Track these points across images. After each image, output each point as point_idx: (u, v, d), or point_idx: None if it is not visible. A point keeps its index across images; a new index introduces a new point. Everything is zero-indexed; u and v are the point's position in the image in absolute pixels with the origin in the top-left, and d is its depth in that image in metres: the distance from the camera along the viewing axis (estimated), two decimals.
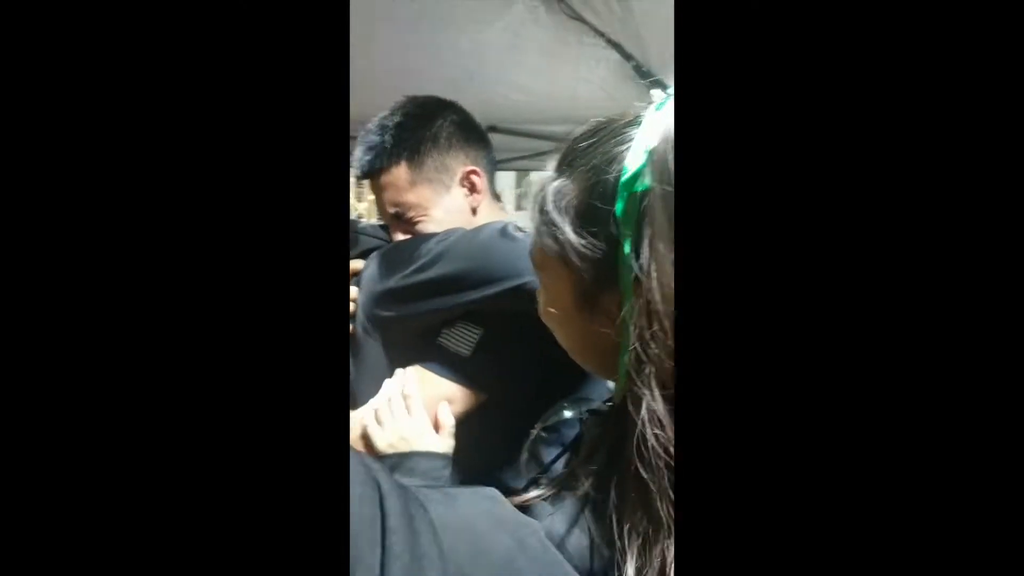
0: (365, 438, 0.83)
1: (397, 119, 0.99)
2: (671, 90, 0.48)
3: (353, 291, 0.98)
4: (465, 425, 0.84)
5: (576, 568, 0.47)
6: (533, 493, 0.54)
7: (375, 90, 1.21)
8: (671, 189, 0.46)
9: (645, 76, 1.86)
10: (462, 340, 0.86)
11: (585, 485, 0.51)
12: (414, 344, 0.89)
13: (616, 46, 1.82)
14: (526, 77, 2.12)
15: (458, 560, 0.39)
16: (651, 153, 0.48)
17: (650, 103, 0.52)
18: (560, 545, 0.48)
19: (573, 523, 0.50)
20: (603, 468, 0.51)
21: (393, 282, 0.90)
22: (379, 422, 0.83)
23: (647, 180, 0.48)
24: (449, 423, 0.83)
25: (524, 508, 0.53)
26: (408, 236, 0.99)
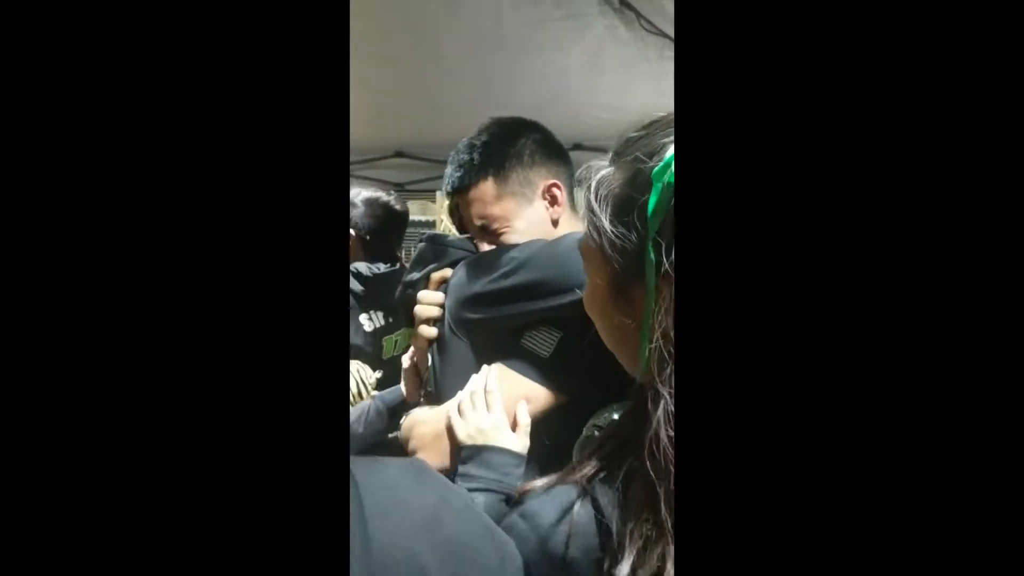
0: (449, 429, 0.88)
1: (484, 139, 1.07)
2: None
3: (440, 296, 1.05)
4: (542, 424, 0.87)
5: (551, 552, 0.47)
6: (539, 482, 0.54)
7: (462, 116, 1.28)
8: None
9: None
10: (542, 342, 0.90)
11: (582, 476, 0.51)
12: (498, 345, 0.94)
13: None
14: (608, 95, 2.16)
15: (381, 512, 0.41)
16: None
17: None
18: (542, 527, 0.49)
19: (564, 511, 0.49)
20: (607, 462, 0.51)
21: (479, 287, 0.96)
22: (461, 414, 0.88)
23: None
24: (525, 422, 0.86)
25: (524, 492, 0.53)
26: (493, 247, 1.05)
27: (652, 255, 0.48)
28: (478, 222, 1.06)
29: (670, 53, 1.84)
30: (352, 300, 1.83)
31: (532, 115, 1.14)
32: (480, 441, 0.84)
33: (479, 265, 1.01)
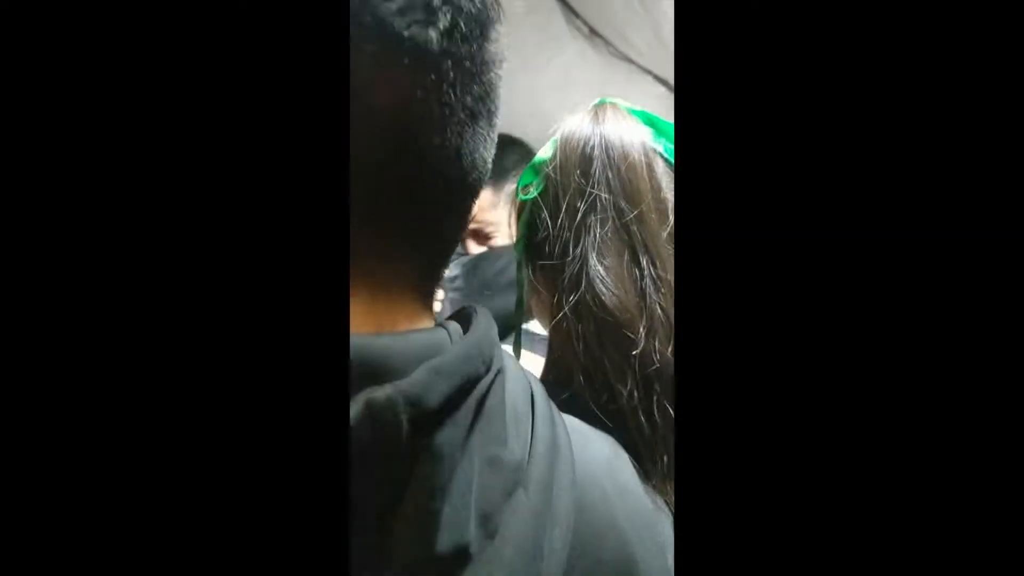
0: None
1: None
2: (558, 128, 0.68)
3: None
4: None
5: None
6: None
7: None
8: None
9: None
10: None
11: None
12: (503, 327, 1.07)
13: (662, 82, 2.07)
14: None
15: (579, 446, 0.44)
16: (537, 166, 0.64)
17: None
18: None
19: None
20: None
21: (484, 284, 1.11)
22: None
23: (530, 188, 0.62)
24: None
25: None
26: (483, 248, 1.21)
27: (521, 249, 0.65)
28: (473, 226, 1.16)
29: (636, 76, 2.01)
30: None
31: (511, 128, 1.30)
32: None
33: (486, 263, 1.15)
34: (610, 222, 0.58)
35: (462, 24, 0.38)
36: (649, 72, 2.10)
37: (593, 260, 0.57)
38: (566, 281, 0.58)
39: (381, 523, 0.34)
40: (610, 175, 0.60)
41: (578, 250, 0.58)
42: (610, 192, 0.59)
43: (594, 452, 0.46)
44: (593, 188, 0.59)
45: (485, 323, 0.40)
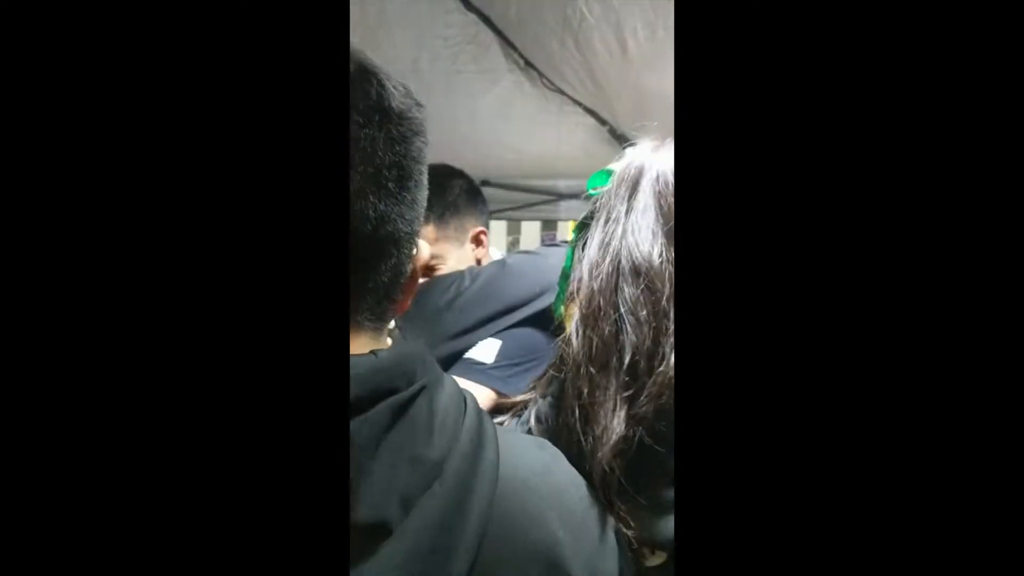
0: None
1: None
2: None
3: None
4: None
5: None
6: (519, 397, 0.72)
7: None
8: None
9: (618, 138, 2.14)
10: (486, 351, 1.07)
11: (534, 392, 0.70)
12: (447, 359, 1.08)
13: (592, 113, 2.16)
14: (515, 139, 2.24)
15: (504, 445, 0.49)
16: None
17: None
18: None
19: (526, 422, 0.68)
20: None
21: (433, 310, 1.10)
22: None
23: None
24: None
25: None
26: (425, 279, 1.19)
27: (577, 228, 0.72)
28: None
29: (569, 108, 2.10)
30: None
31: (449, 153, 1.34)
32: None
33: (433, 289, 1.15)
34: (653, 206, 0.65)
35: (360, 118, 0.42)
36: (580, 104, 2.19)
37: (633, 223, 0.64)
38: (607, 236, 0.65)
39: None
40: (666, 176, 0.67)
41: (622, 216, 0.65)
42: (656, 182, 0.66)
43: (531, 460, 0.52)
44: (647, 180, 0.67)
45: (406, 348, 0.46)
